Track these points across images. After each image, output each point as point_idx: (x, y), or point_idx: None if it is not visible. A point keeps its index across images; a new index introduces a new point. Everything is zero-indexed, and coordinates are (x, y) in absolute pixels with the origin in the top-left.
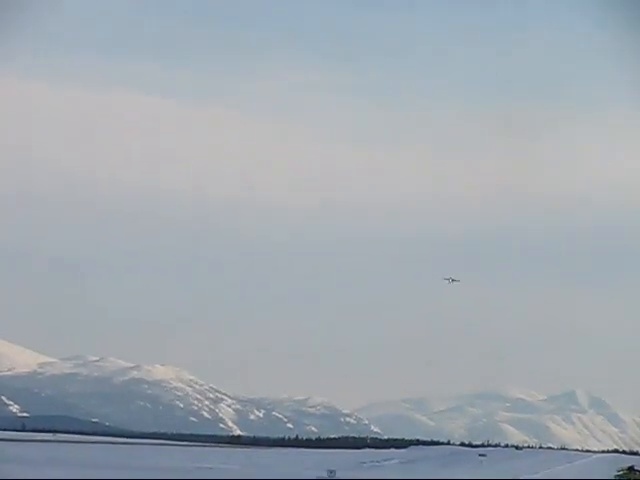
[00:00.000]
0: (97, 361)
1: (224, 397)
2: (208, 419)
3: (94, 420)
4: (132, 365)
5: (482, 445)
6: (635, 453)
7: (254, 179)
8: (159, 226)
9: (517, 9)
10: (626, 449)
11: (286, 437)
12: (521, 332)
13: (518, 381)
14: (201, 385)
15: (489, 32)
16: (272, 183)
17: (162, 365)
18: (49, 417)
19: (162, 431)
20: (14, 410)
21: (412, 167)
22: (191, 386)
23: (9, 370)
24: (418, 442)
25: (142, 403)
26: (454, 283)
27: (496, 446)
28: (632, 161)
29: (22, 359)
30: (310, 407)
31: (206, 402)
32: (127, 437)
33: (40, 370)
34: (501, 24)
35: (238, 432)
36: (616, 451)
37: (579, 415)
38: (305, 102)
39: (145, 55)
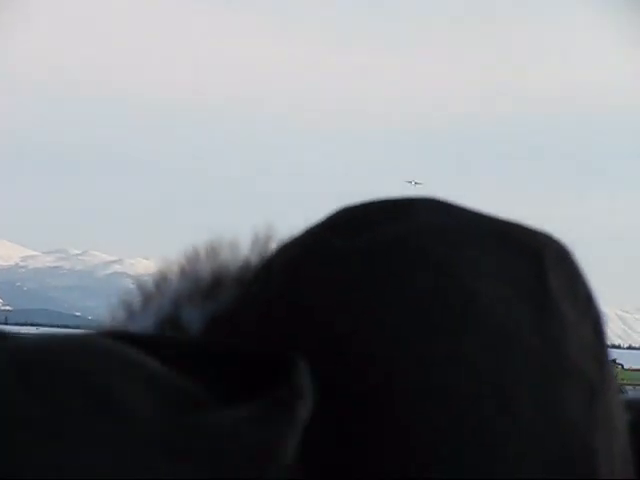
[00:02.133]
0: (79, 255)
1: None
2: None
3: (77, 314)
4: (115, 259)
5: None
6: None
7: (235, 77)
8: (143, 112)
9: None
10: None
11: None
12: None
13: None
14: None
15: None
16: (272, 85)
17: (145, 259)
18: (32, 310)
19: None
20: None
21: (406, 64)
22: None
23: None
24: None
25: (125, 297)
26: (417, 186)
27: None
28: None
29: (4, 252)
30: None
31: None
32: None
33: (22, 263)
34: None
35: None
36: None
37: None
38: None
39: None
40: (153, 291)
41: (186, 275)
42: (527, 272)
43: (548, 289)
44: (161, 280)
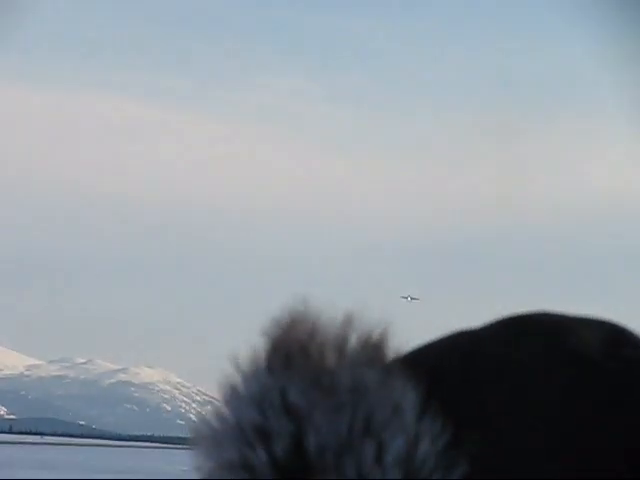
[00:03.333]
0: (84, 363)
1: (212, 400)
2: (195, 422)
3: (81, 423)
4: (119, 367)
5: None
6: None
7: (236, 186)
8: (146, 231)
9: (502, 14)
10: None
11: None
12: None
13: None
14: (188, 388)
15: (479, 36)
16: (255, 190)
17: (149, 367)
18: (36, 419)
19: (149, 434)
20: (1, 412)
21: (398, 175)
22: (178, 389)
23: None
24: None
25: (129, 406)
26: (413, 302)
27: None
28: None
29: (9, 361)
30: None
31: (193, 405)
32: (114, 439)
33: (27, 372)
34: (488, 29)
35: None
36: None
37: None
38: (289, 109)
39: (124, 59)
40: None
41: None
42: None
43: None
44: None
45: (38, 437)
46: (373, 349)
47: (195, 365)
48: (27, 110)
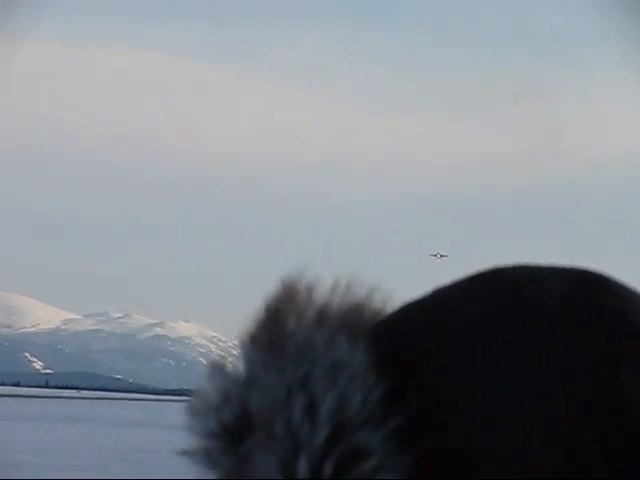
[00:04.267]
0: (120, 318)
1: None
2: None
3: (118, 377)
4: (156, 322)
5: None
6: None
7: (265, 141)
8: (178, 186)
9: None
10: None
11: None
12: None
13: None
14: (224, 341)
15: None
16: (284, 146)
17: (186, 322)
18: (73, 374)
19: (185, 388)
20: (37, 367)
21: (427, 131)
22: (214, 343)
23: (32, 327)
24: None
25: (165, 360)
26: (443, 259)
27: None
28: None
29: (45, 315)
30: None
31: (230, 359)
32: (150, 394)
33: (63, 327)
34: None
35: None
36: None
37: None
38: (319, 67)
39: (157, 16)
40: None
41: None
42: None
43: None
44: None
45: (74, 391)
46: (351, 312)
47: (231, 319)
48: (53, 66)
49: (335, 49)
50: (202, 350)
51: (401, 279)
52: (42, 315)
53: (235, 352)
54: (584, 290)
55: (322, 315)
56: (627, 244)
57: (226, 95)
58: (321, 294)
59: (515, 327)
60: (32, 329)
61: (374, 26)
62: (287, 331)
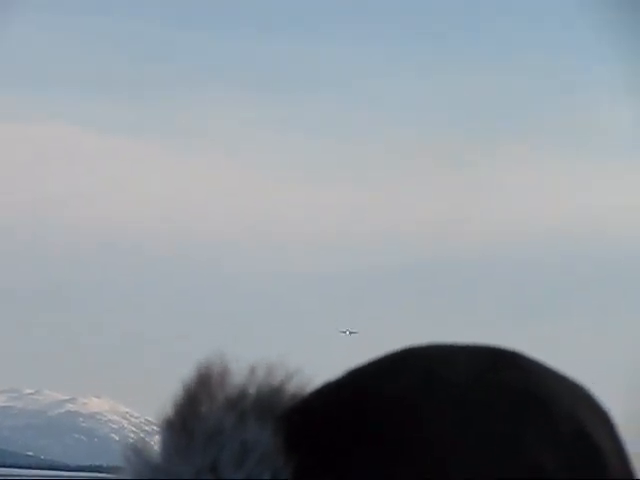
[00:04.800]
0: (32, 394)
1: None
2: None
3: (29, 453)
4: (67, 397)
5: None
6: None
7: (184, 220)
8: (97, 257)
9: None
10: None
11: None
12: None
13: None
14: (137, 417)
15: (427, 63)
16: (207, 224)
17: (97, 397)
18: None
19: (97, 464)
20: None
21: (347, 202)
22: (127, 419)
23: None
24: None
25: (77, 436)
26: (352, 335)
27: None
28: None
29: None
30: None
31: (142, 435)
32: (62, 470)
33: None
34: (438, 57)
35: None
36: None
37: None
38: (241, 139)
39: (77, 88)
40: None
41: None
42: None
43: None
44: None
45: None
46: (265, 396)
47: (143, 395)
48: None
49: (256, 119)
50: (114, 426)
51: (311, 356)
52: None
53: (148, 430)
54: (494, 368)
55: (233, 399)
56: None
57: (133, 169)
58: (236, 378)
59: (424, 405)
60: None
61: (294, 95)
62: (199, 415)
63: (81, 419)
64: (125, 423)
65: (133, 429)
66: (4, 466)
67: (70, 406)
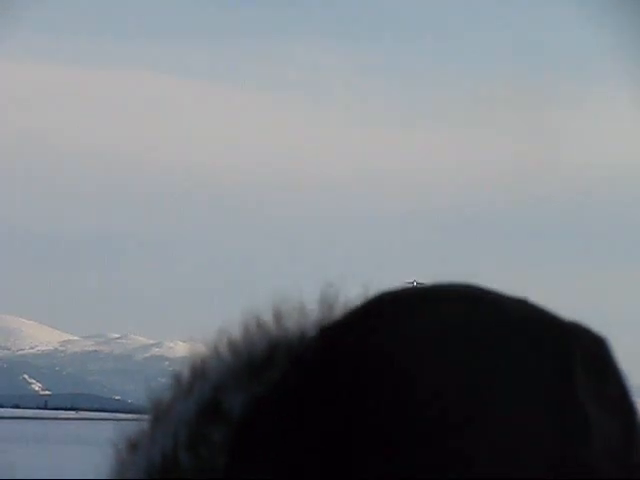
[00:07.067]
0: (118, 338)
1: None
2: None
3: (116, 397)
4: (154, 342)
5: None
6: None
7: (269, 159)
8: (180, 205)
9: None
10: None
11: None
12: (550, 303)
13: None
14: None
15: (502, 14)
16: (289, 163)
17: (183, 341)
18: (71, 395)
19: None
20: (36, 388)
21: (429, 146)
22: None
23: (31, 348)
24: None
25: (164, 380)
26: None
27: None
28: None
29: (43, 337)
30: None
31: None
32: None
33: (61, 348)
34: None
35: None
36: None
37: None
38: (320, 84)
39: (159, 36)
40: (195, 374)
41: (235, 353)
42: (551, 370)
43: (572, 388)
44: (203, 361)
45: (73, 412)
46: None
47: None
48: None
49: (333, 65)
50: None
51: None
52: (40, 337)
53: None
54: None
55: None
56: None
57: (225, 111)
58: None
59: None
60: (30, 351)
61: (371, 42)
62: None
63: (167, 363)
64: None
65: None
66: (93, 410)
67: (156, 350)
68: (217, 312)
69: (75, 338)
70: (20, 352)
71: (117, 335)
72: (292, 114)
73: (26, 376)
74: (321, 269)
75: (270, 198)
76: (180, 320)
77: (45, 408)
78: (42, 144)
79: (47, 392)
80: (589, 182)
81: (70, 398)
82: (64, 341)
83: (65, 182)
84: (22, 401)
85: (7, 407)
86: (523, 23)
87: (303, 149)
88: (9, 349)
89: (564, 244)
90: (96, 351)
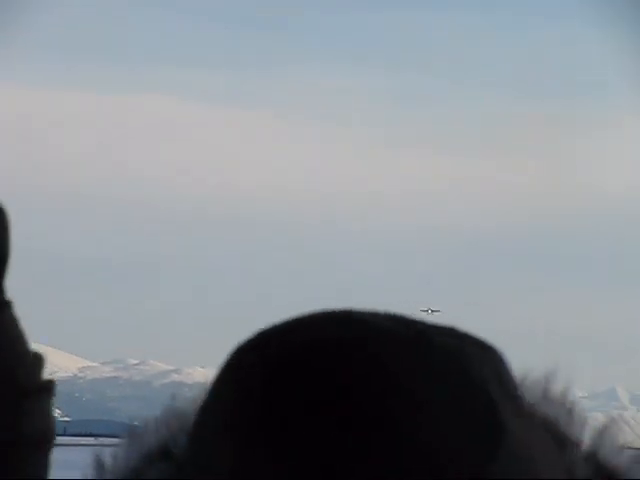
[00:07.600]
0: (137, 364)
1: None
2: None
3: (136, 424)
4: (172, 368)
5: None
6: None
7: (286, 183)
8: (197, 229)
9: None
10: None
11: None
12: (561, 329)
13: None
14: None
15: (520, 32)
16: (304, 186)
17: (202, 367)
18: (90, 421)
19: None
20: (56, 414)
21: (445, 166)
22: None
23: (50, 375)
24: None
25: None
26: (434, 314)
27: None
28: None
29: (62, 363)
30: None
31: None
32: None
33: (80, 374)
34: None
35: None
36: None
37: (620, 412)
38: (337, 106)
39: (173, 60)
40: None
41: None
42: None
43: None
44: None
45: (92, 439)
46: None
47: None
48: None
49: (352, 90)
50: None
51: None
52: (59, 363)
53: None
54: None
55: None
56: None
57: (245, 138)
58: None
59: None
60: (49, 377)
61: (400, 69)
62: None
63: (186, 389)
64: None
65: None
66: (111, 436)
67: (175, 376)
68: (234, 339)
69: (94, 364)
70: None
71: (136, 361)
72: (308, 141)
73: None
74: (328, 289)
75: (296, 227)
76: (199, 346)
77: (64, 435)
78: (70, 167)
79: (66, 418)
80: (600, 205)
81: (89, 424)
82: (83, 367)
83: (83, 205)
84: None
85: None
86: (538, 43)
87: (321, 176)
88: None
89: (578, 268)
90: (115, 377)
